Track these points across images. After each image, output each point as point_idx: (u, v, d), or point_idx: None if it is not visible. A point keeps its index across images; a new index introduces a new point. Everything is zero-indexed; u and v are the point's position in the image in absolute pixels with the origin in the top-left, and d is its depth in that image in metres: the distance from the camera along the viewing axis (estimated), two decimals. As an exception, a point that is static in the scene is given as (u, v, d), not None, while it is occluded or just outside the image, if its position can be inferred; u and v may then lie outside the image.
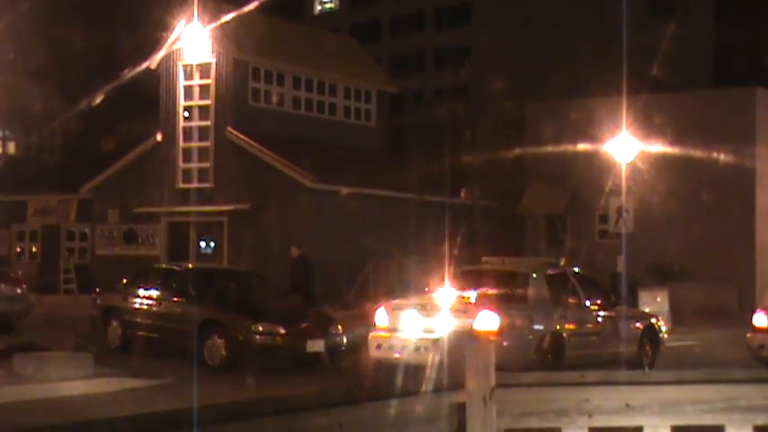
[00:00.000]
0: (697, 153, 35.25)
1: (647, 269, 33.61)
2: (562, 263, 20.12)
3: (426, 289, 18.80)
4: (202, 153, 36.02)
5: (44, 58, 40.49)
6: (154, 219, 36.64)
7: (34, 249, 40.69)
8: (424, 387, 4.93)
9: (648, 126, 34.19)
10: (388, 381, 11.27)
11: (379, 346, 16.74)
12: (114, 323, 19.97)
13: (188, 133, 36.28)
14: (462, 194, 37.14)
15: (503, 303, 16.76)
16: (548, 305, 17.28)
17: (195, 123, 36.19)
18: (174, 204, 35.37)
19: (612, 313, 18.46)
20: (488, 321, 15.73)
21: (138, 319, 19.62)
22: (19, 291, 24.91)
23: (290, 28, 42.30)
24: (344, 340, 18.52)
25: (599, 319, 18.10)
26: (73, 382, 14.56)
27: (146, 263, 29.91)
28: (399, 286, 26.92)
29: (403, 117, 57.49)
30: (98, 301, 21.24)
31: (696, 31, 67.16)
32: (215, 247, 36.01)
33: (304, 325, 18.30)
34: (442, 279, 18.45)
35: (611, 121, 32.08)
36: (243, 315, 18.19)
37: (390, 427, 4.66)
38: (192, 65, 36.00)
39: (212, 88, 35.74)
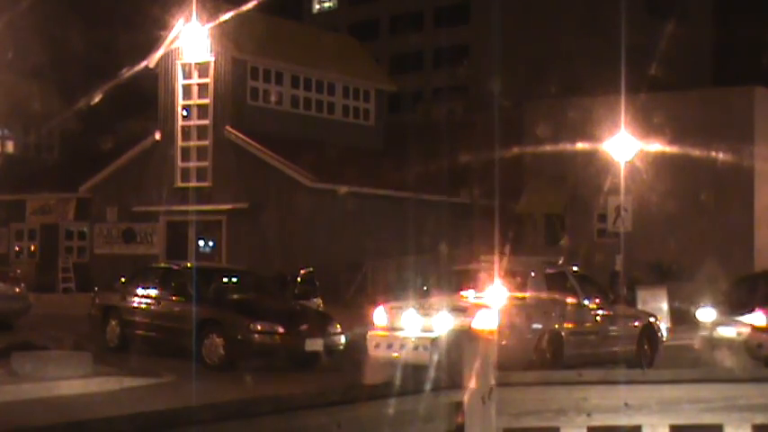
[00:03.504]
0: (696, 152, 35.25)
1: (646, 268, 33.62)
2: (561, 262, 20.14)
3: (425, 288, 18.79)
4: (201, 152, 36.03)
5: (43, 57, 40.45)
6: (152, 218, 36.65)
7: (33, 248, 40.68)
8: (422, 386, 4.93)
9: (647, 125, 34.18)
10: (387, 380, 11.26)
11: (377, 345, 16.74)
12: (113, 322, 19.97)
13: (186, 132, 36.30)
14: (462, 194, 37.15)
15: (501, 302, 16.76)
16: (546, 304, 17.28)
17: (194, 122, 36.20)
18: (173, 203, 35.36)
19: (611, 312, 18.48)
20: (487, 320, 15.73)
21: (137, 318, 19.62)
22: (17, 290, 24.89)
23: (288, 27, 42.29)
24: (343, 339, 18.53)
25: (597, 318, 18.11)
26: (71, 381, 14.55)
27: (144, 262, 29.91)
28: (398, 285, 26.92)
29: (401, 116, 57.50)
30: (97, 300, 21.23)
31: (695, 31, 67.16)
32: (213, 246, 36.02)
33: (303, 324, 18.30)
34: (441, 278, 18.45)
35: (609, 121, 32.09)
36: (241, 314, 18.19)
37: (389, 427, 4.66)
38: (190, 64, 36.01)
39: (211, 87, 35.76)
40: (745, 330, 20.13)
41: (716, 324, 21.02)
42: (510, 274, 18.01)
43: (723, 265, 29.93)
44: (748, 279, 23.70)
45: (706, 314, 21.43)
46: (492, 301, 16.65)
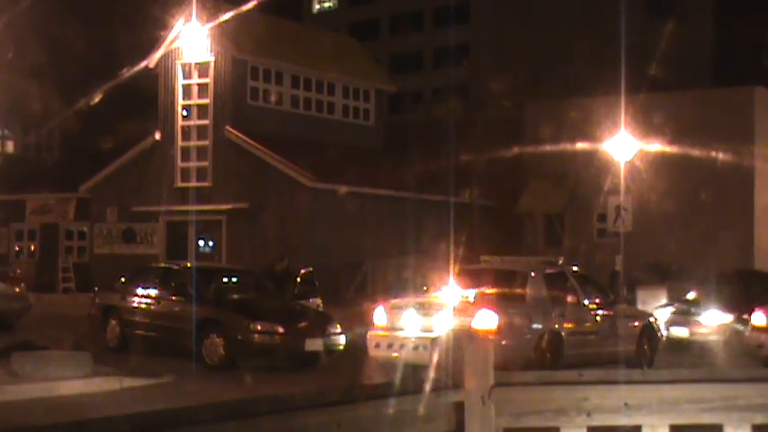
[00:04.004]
0: (695, 152, 35.24)
1: (646, 268, 33.61)
2: (561, 262, 20.14)
3: (425, 288, 18.80)
4: (201, 152, 36.02)
5: (43, 56, 40.46)
6: (152, 218, 36.64)
7: (33, 248, 40.68)
8: (422, 386, 4.93)
9: (647, 125, 34.18)
10: (387, 380, 11.27)
11: (377, 345, 16.75)
12: (113, 322, 19.97)
13: (186, 132, 36.28)
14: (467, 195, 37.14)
15: (501, 302, 16.76)
16: (546, 304, 17.28)
17: (194, 122, 36.19)
18: (173, 203, 35.35)
19: (611, 312, 18.48)
20: (487, 320, 15.73)
21: (137, 318, 19.62)
22: (17, 290, 24.91)
23: (288, 27, 42.27)
24: (343, 339, 18.53)
25: (597, 318, 18.12)
26: (71, 381, 14.55)
27: (144, 262, 29.86)
28: (398, 285, 26.92)
29: (401, 116, 57.54)
30: (97, 300, 21.23)
31: (695, 31, 67.17)
32: (213, 246, 36.01)
33: (302, 324, 18.31)
34: (441, 278, 18.45)
35: (609, 120, 32.10)
36: (241, 314, 18.20)
37: (389, 427, 4.66)
38: (190, 64, 35.99)
39: (211, 87, 35.74)
40: (701, 331, 20.57)
41: (669, 323, 21.35)
42: (510, 273, 18.02)
43: (723, 265, 29.95)
44: (717, 279, 23.95)
45: (662, 313, 21.74)
46: (492, 301, 16.65)
